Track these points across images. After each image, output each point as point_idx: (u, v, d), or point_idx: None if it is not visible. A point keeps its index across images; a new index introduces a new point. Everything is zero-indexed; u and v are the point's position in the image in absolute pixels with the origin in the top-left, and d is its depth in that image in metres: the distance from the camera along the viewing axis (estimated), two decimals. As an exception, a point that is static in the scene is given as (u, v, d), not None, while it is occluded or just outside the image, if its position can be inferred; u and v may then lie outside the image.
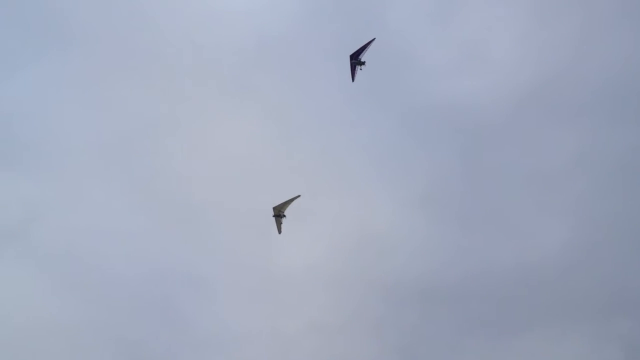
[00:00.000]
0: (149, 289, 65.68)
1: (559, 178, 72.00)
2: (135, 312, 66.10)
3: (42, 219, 65.61)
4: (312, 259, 69.34)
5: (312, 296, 69.05)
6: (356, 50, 59.24)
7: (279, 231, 60.40)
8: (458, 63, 77.83)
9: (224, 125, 72.20)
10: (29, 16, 69.15)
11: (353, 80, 60.15)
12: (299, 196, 59.05)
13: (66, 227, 66.05)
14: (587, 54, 74.93)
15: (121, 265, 66.09)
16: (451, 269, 68.90)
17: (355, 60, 59.54)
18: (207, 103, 72.64)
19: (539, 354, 64.96)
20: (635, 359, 62.94)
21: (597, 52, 74.07)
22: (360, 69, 59.83)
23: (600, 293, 65.65)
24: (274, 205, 59.61)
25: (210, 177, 70.62)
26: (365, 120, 76.71)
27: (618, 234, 67.73)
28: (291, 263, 68.93)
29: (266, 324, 67.72)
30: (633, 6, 73.46)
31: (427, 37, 77.51)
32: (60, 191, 66.48)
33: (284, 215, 60.23)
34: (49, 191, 65.95)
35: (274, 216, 60.18)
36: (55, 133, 68.55)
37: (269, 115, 73.68)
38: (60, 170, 67.26)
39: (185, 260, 68.31)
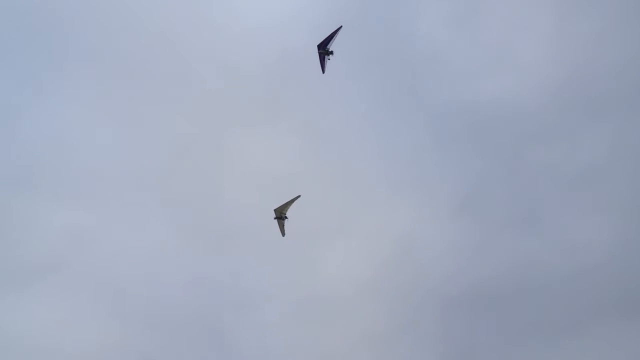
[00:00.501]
0: (194, 312, 65.36)
1: (601, 175, 71.26)
2: (180, 335, 65.62)
3: (85, 247, 65.56)
4: (355, 273, 68.86)
5: (360, 310, 68.50)
6: (323, 39, 57.51)
7: (283, 234, 59.38)
8: (487, 64, 77.28)
9: (259, 143, 71.67)
10: (64, 47, 68.91)
11: (323, 71, 58.31)
12: (299, 196, 57.97)
13: (109, 254, 65.79)
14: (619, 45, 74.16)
15: (164, 289, 65.69)
16: (500, 273, 68.16)
17: (323, 50, 57.75)
18: (240, 122, 72.10)
19: (594, 356, 64.20)
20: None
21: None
22: (329, 59, 57.89)
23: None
24: (275, 208, 58.49)
25: (248, 195, 70.05)
26: (395, 128, 76.25)
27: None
28: (336, 278, 68.53)
29: (315, 341, 67.15)
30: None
31: (455, 40, 77.06)
32: (102, 218, 66.39)
33: (286, 217, 59.04)
34: (90, 219, 65.80)
35: (275, 218, 58.92)
36: (91, 161, 68.33)
37: (301, 130, 73.20)
38: (101, 197, 67.10)
39: (229, 281, 67.88)
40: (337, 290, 68.76)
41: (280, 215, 58.53)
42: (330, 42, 57.59)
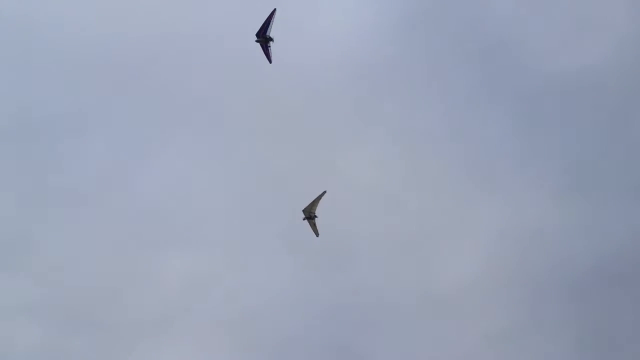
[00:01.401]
0: (324, 337, 66.18)
1: None
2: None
3: (210, 290, 68.00)
4: (469, 271, 67.36)
5: (480, 307, 66.93)
6: (260, 27, 53.92)
7: (317, 234, 57.89)
8: (567, 33, 73.95)
9: (351, 153, 71.85)
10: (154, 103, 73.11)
11: (270, 61, 54.78)
12: (324, 192, 56.54)
13: (234, 295, 67.55)
14: None
15: (293, 320, 66.84)
16: (623, 246, 64.11)
17: (262, 37, 54.22)
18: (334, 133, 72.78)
19: None
20: None
21: None
22: (269, 46, 54.43)
23: None
24: (303, 208, 57.08)
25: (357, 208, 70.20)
26: (483, 119, 74.46)
27: None
28: (450, 277, 67.47)
29: (439, 344, 66.27)
30: None
31: (527, 17, 74.48)
32: (220, 261, 68.56)
33: (316, 216, 57.56)
34: (209, 263, 68.17)
35: (304, 219, 57.49)
36: (201, 206, 71.22)
37: (392, 136, 73.09)
38: (215, 241, 69.31)
39: (345, 296, 68.45)
40: (454, 290, 67.74)
41: (310, 215, 57.24)
42: (269, 28, 53.83)
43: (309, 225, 57.30)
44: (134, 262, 66.64)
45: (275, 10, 53.06)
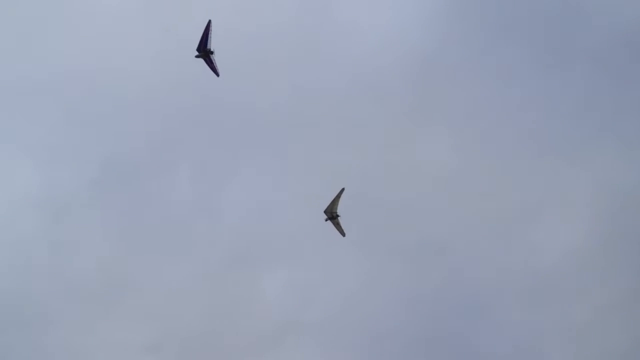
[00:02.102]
0: (430, 329, 66.10)
1: None
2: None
3: (313, 301, 69.21)
4: (570, 242, 65.78)
5: (585, 280, 65.35)
6: (199, 42, 52.14)
7: (343, 233, 57.37)
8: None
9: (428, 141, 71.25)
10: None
11: (217, 74, 52.97)
12: (343, 190, 55.67)
13: (341, 299, 68.53)
14: None
15: (395, 316, 66.98)
16: None
17: (202, 52, 52.38)
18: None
19: None
20: None
21: None
22: (212, 59, 52.67)
23: None
24: (325, 209, 56.44)
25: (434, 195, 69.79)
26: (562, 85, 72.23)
27: None
28: (550, 253, 66.06)
29: (550, 323, 65.15)
30: None
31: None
32: (317, 270, 69.74)
33: (338, 215, 56.81)
34: (308, 273, 69.45)
35: (327, 220, 56.86)
36: (281, 221, 72.25)
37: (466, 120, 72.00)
38: (305, 253, 70.31)
39: (445, 286, 68.20)
40: (556, 265, 66.62)
41: (332, 214, 56.64)
42: (208, 41, 51.96)
43: (334, 226, 57.03)
44: (236, 284, 68.49)
45: (210, 22, 51.57)
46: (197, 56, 52.48)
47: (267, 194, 72.29)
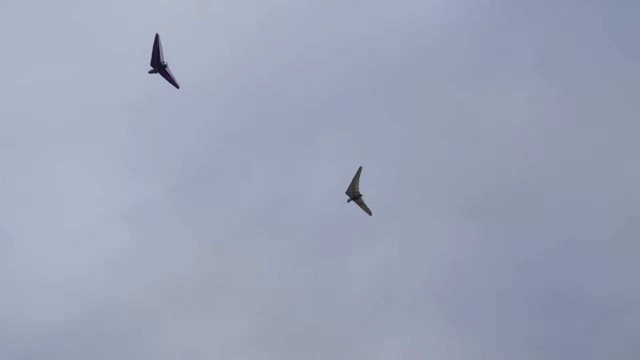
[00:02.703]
0: (531, 287, 64.65)
1: None
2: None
3: (405, 273, 68.73)
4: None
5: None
6: (151, 58, 51.43)
7: (369, 212, 56.81)
8: None
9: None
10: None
11: (177, 86, 52.61)
12: (360, 168, 55.11)
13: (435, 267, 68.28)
14: None
15: (495, 278, 66.09)
16: None
17: (156, 65, 51.69)
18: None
19: None
20: None
21: None
22: (168, 72, 51.98)
23: None
24: (346, 190, 55.95)
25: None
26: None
27: None
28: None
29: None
30: None
31: None
32: (403, 247, 69.28)
33: (360, 194, 56.21)
34: (395, 251, 69.12)
35: (350, 201, 56.44)
36: None
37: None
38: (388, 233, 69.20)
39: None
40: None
41: (354, 194, 56.22)
42: (160, 55, 51.40)
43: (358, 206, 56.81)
44: (329, 269, 68.94)
45: (158, 35, 50.92)
46: (151, 71, 52.20)
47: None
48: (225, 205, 71.57)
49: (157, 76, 52.61)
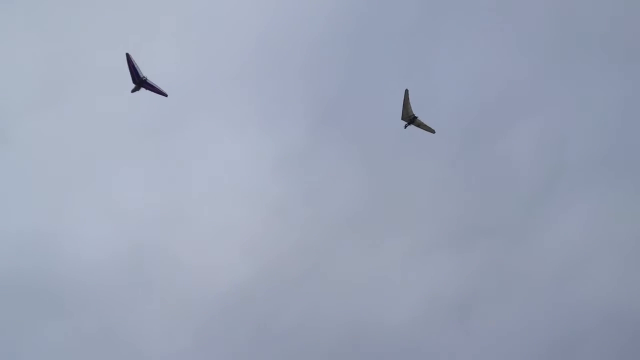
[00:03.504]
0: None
1: None
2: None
3: None
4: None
5: None
6: (131, 76, 52.08)
7: (432, 130, 55.19)
8: None
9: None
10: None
11: (165, 94, 52.98)
12: (407, 91, 53.96)
13: None
14: None
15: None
16: None
17: (138, 81, 52.25)
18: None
19: None
20: None
21: None
22: (150, 84, 52.47)
23: None
24: (401, 117, 54.71)
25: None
26: None
27: None
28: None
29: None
30: None
31: None
32: None
33: (416, 116, 54.73)
34: None
35: (407, 126, 55.24)
36: None
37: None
38: None
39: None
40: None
41: (410, 118, 54.78)
42: (138, 71, 51.83)
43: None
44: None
45: (128, 54, 51.66)
46: (134, 90, 53.12)
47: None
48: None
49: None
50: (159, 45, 62.83)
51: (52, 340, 58.25)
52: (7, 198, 62.76)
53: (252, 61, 67.41)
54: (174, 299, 62.24)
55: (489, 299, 64.65)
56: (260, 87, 68.17)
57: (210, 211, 65.85)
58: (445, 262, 65.76)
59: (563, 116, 68.48)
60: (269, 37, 67.63)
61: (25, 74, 63.27)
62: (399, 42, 68.95)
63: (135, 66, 51.55)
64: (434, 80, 66.78)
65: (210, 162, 66.88)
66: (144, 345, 60.11)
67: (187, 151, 66.62)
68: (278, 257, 64.97)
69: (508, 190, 68.11)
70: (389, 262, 65.90)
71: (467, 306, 64.70)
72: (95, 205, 63.71)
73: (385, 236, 66.99)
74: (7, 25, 63.89)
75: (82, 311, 60.36)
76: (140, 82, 52.16)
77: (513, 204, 67.48)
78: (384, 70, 67.69)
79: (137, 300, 61.68)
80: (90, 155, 64.04)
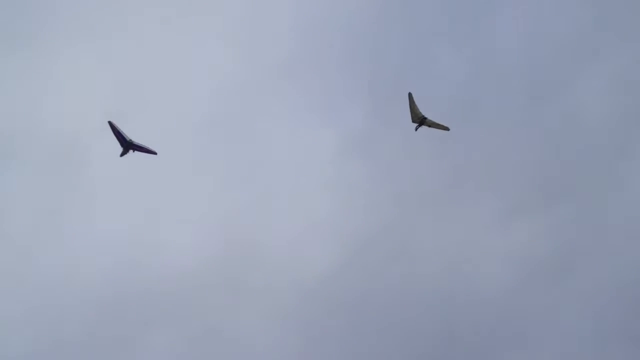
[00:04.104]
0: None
1: None
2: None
3: None
4: None
5: None
6: (118, 141, 52.62)
7: (446, 128, 53.81)
8: None
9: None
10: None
11: (155, 152, 53.16)
12: (410, 94, 52.86)
13: None
14: None
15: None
16: None
17: (125, 146, 52.83)
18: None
19: None
20: None
21: None
22: (137, 145, 52.91)
23: None
24: (411, 119, 53.70)
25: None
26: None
27: None
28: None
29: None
30: None
31: None
32: None
33: (425, 117, 53.55)
34: None
35: (418, 128, 54.08)
36: None
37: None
38: None
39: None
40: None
41: (420, 119, 53.54)
42: (123, 136, 52.34)
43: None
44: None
45: (110, 122, 52.12)
46: (122, 154, 53.47)
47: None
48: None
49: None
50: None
51: (160, 348, 59.62)
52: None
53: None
54: (270, 295, 63.08)
55: (585, 254, 63.59)
56: (320, 76, 70.25)
57: (295, 205, 66.86)
58: (534, 224, 64.95)
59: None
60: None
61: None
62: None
63: (120, 131, 52.57)
64: (497, 41, 67.30)
65: (285, 155, 68.51)
66: (248, 341, 61.05)
67: (260, 149, 68.58)
68: (366, 240, 65.24)
69: (584, 144, 67.32)
70: (476, 231, 65.81)
71: (563, 264, 63.64)
72: (188, 211, 65.35)
73: (466, 205, 66.90)
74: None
75: (185, 315, 61.82)
76: (127, 145, 53.06)
77: (591, 158, 66.60)
78: (444, 35, 69.40)
79: (236, 299, 62.74)
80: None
